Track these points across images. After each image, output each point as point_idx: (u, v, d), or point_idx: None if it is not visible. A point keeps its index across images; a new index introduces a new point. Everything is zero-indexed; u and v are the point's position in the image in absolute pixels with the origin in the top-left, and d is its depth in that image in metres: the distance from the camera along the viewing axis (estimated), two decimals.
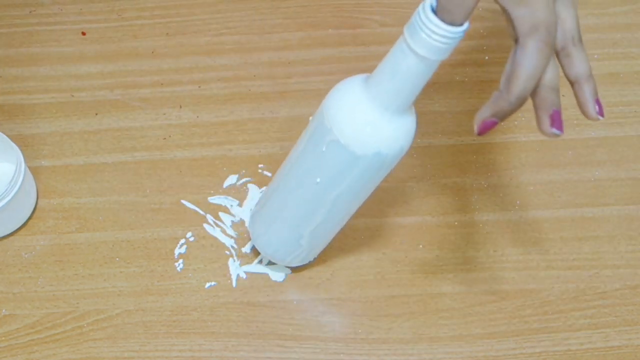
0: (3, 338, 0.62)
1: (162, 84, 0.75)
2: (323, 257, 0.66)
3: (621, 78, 0.76)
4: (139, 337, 0.62)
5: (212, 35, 0.78)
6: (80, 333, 0.62)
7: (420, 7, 0.44)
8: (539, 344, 0.62)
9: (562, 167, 0.70)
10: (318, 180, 0.53)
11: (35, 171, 0.69)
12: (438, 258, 0.66)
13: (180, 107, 0.74)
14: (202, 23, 0.79)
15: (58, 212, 0.68)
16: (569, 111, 0.74)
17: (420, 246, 0.67)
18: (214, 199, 0.68)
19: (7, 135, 0.64)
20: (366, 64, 0.76)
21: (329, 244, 0.63)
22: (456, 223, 0.68)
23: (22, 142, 0.70)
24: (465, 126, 0.73)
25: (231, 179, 0.69)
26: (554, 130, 0.46)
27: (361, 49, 0.77)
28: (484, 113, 0.46)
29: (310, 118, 0.55)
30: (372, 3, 0.80)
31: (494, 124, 0.46)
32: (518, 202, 0.69)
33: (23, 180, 0.63)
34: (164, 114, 0.73)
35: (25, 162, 0.64)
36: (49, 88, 0.74)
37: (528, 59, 0.44)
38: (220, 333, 0.63)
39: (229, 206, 0.68)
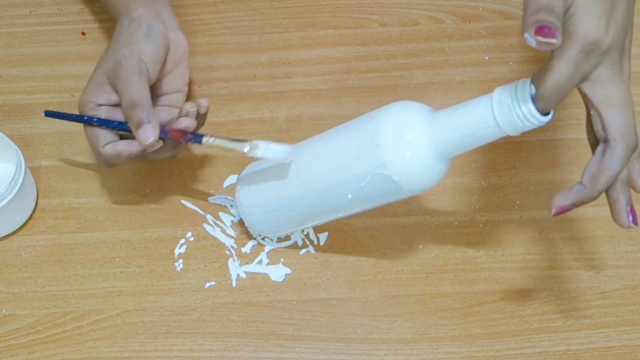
0: (3, 338, 0.62)
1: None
2: (323, 257, 0.66)
3: None
4: (139, 337, 0.62)
5: (212, 35, 0.78)
6: (80, 333, 0.62)
7: (518, 92, 0.46)
8: (539, 344, 0.62)
9: (562, 167, 0.70)
10: (350, 196, 0.55)
11: (35, 171, 0.69)
12: (438, 258, 0.66)
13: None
14: (202, 23, 0.79)
15: (58, 212, 0.68)
16: (568, 111, 0.75)
17: (420, 246, 0.67)
18: (214, 199, 0.68)
19: (7, 135, 0.64)
20: (366, 64, 0.76)
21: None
22: (456, 223, 0.68)
23: (22, 142, 0.70)
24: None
25: (231, 179, 0.69)
26: (632, 224, 0.50)
27: (361, 49, 0.77)
28: (564, 201, 0.50)
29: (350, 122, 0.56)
30: (372, 3, 0.80)
31: (570, 210, 0.50)
32: (518, 202, 0.69)
33: (23, 180, 0.63)
34: None
35: (25, 162, 0.64)
36: (49, 88, 0.74)
37: (616, 163, 0.47)
38: (220, 333, 0.63)
39: (229, 206, 0.68)
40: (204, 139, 0.58)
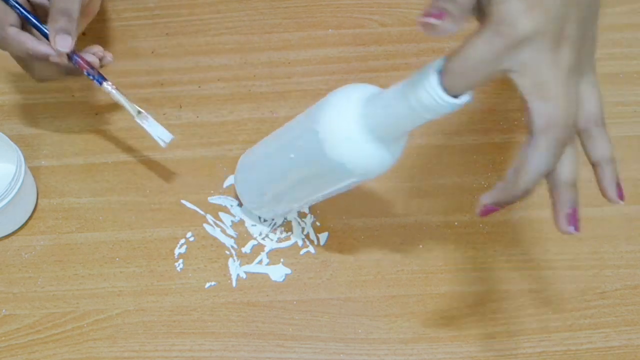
0: (3, 338, 0.62)
1: (162, 84, 0.75)
2: (323, 257, 0.66)
3: (621, 78, 0.76)
4: (139, 337, 0.62)
5: (212, 35, 0.78)
6: (80, 333, 0.62)
7: (425, 71, 0.43)
8: (539, 344, 0.62)
9: None
10: (292, 155, 0.56)
11: (35, 171, 0.69)
12: (438, 258, 0.66)
13: (180, 107, 0.74)
14: (202, 23, 0.79)
15: (58, 212, 0.68)
16: None
17: (420, 246, 0.67)
18: (214, 199, 0.68)
19: (7, 135, 0.64)
20: (366, 64, 0.76)
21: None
22: (456, 223, 0.68)
23: (22, 142, 0.70)
24: (465, 126, 0.73)
25: (231, 179, 0.69)
26: (570, 230, 0.46)
27: (361, 49, 0.77)
28: (487, 199, 0.47)
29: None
30: (372, 3, 0.80)
31: (495, 210, 0.47)
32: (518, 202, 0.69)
33: (23, 180, 0.63)
34: (164, 114, 0.73)
35: (25, 162, 0.64)
36: (49, 88, 0.74)
37: (537, 157, 0.44)
38: (220, 333, 0.63)
39: (229, 206, 0.68)
40: (105, 84, 0.62)
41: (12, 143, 0.64)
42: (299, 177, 0.57)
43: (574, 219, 0.46)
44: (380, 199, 0.69)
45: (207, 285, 0.65)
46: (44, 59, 0.60)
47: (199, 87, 0.75)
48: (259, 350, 0.62)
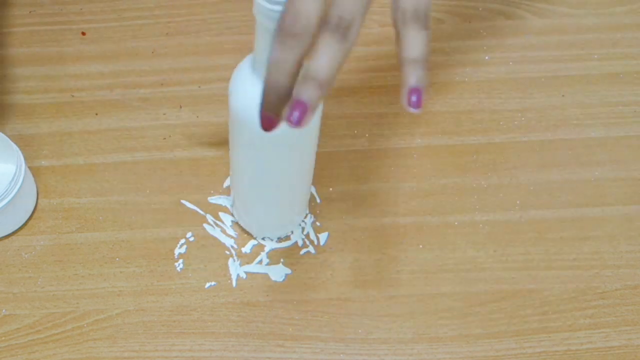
0: (3, 338, 0.62)
1: (162, 84, 0.75)
2: (323, 257, 0.66)
3: (621, 78, 0.76)
4: (139, 337, 0.62)
5: (212, 35, 0.78)
6: (80, 333, 0.62)
7: None
8: (539, 344, 0.62)
9: (562, 167, 0.70)
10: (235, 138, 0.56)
11: (35, 171, 0.69)
12: (438, 258, 0.66)
13: (180, 107, 0.74)
14: (202, 23, 0.79)
15: (58, 212, 0.68)
16: (568, 111, 0.75)
17: (420, 246, 0.67)
18: (214, 199, 0.68)
19: (7, 135, 0.64)
20: (366, 64, 0.76)
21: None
22: (456, 223, 0.68)
23: (22, 142, 0.70)
24: (465, 126, 0.73)
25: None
26: (412, 109, 0.42)
27: (361, 49, 0.77)
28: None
29: None
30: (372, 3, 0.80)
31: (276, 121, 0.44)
32: (518, 202, 0.69)
33: (23, 180, 0.63)
34: (164, 114, 0.73)
35: (25, 162, 0.64)
36: (49, 88, 0.74)
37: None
38: (220, 333, 0.63)
39: (229, 206, 0.68)
40: None
41: (12, 143, 0.64)
42: (236, 148, 0.57)
43: (418, 96, 0.42)
44: (380, 199, 0.69)
45: (207, 285, 0.65)
46: None
47: (199, 87, 0.75)
48: (259, 350, 0.62)
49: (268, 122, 0.43)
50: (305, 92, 0.42)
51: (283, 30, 0.41)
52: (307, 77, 0.42)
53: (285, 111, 0.42)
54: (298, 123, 0.42)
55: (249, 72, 0.52)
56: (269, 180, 0.58)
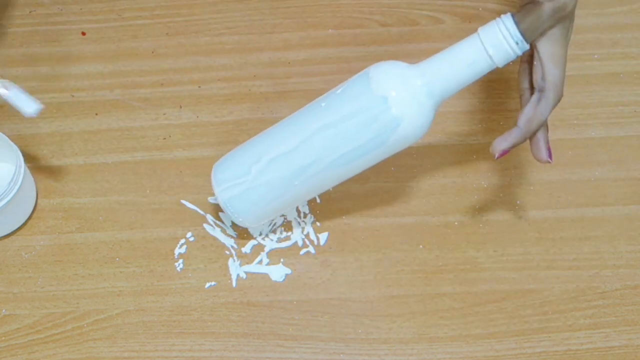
0: (3, 338, 0.62)
1: (162, 84, 0.75)
2: (323, 257, 0.66)
3: (621, 78, 0.76)
4: (139, 337, 0.62)
5: (212, 35, 0.78)
6: (80, 333, 0.62)
7: (504, 20, 0.54)
8: (539, 344, 0.62)
9: (562, 167, 0.70)
10: (323, 104, 0.57)
11: (35, 171, 0.69)
12: (438, 258, 0.66)
13: (180, 107, 0.74)
14: (202, 23, 0.79)
15: (58, 212, 0.68)
16: (568, 111, 0.75)
17: (420, 246, 0.67)
18: (214, 199, 0.68)
19: (7, 135, 0.64)
20: (366, 64, 0.76)
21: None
22: (456, 223, 0.68)
23: (22, 142, 0.70)
24: (465, 126, 0.73)
25: None
26: (549, 159, 0.58)
27: (361, 49, 0.77)
28: (505, 144, 0.57)
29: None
30: (372, 3, 0.80)
31: (509, 152, 0.58)
32: (518, 202, 0.69)
33: (23, 180, 0.63)
34: (164, 114, 0.73)
35: (25, 162, 0.64)
36: (49, 88, 0.74)
37: (548, 110, 0.56)
38: (220, 333, 0.63)
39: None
40: None
41: (12, 143, 0.64)
42: (317, 128, 0.56)
43: (549, 151, 0.58)
44: (380, 199, 0.69)
45: (207, 285, 0.65)
46: None
47: (199, 87, 0.75)
48: (259, 350, 0.62)
49: (505, 154, 0.58)
50: None
51: (560, 97, 0.57)
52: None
53: (543, 152, 0.58)
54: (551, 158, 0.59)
55: (422, 93, 0.55)
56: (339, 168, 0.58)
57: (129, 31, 0.78)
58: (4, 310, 0.63)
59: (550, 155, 0.58)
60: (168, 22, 0.79)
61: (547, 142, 0.58)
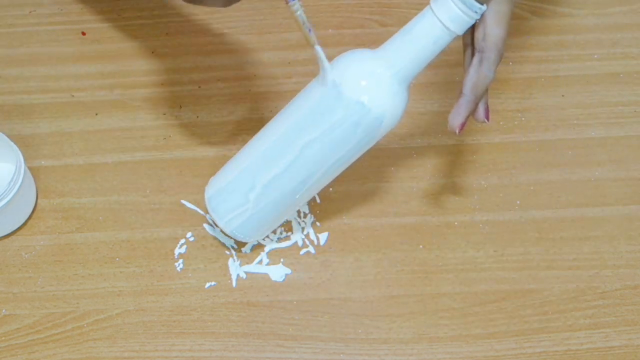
0: (3, 338, 0.62)
1: (162, 84, 0.75)
2: (323, 257, 0.66)
3: (621, 78, 0.76)
4: (139, 337, 0.62)
5: (212, 35, 0.78)
6: (80, 333, 0.62)
7: None
8: (539, 344, 0.62)
9: (562, 167, 0.70)
10: (296, 119, 0.56)
11: (35, 171, 0.69)
12: (438, 258, 0.66)
13: (180, 107, 0.74)
14: (202, 23, 0.79)
15: (58, 212, 0.68)
16: (568, 111, 0.75)
17: (420, 246, 0.67)
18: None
19: (7, 135, 0.64)
20: None
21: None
22: (456, 223, 0.68)
23: (22, 142, 0.70)
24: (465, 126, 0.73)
25: None
26: (486, 120, 0.57)
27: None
28: (460, 118, 0.55)
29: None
30: (372, 3, 0.80)
31: (466, 123, 0.56)
32: (518, 202, 0.69)
33: (23, 180, 0.63)
34: (164, 114, 0.73)
35: (25, 162, 0.64)
36: (49, 88, 0.74)
37: (492, 70, 0.55)
38: (220, 333, 0.63)
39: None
40: (293, 4, 0.56)
41: (12, 143, 0.64)
42: (304, 143, 0.55)
43: (487, 111, 0.57)
44: (380, 199, 0.69)
45: (207, 285, 0.65)
46: None
47: (199, 87, 0.75)
48: (259, 350, 0.62)
49: (463, 127, 0.56)
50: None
51: (501, 57, 0.55)
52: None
53: (480, 113, 0.56)
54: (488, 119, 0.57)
55: (395, 84, 0.54)
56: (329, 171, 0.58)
57: (129, 31, 0.78)
58: (4, 310, 0.63)
59: (487, 116, 0.56)
60: (168, 22, 0.79)
61: (486, 102, 0.56)
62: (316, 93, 0.55)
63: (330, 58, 0.76)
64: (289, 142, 0.56)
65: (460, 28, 0.52)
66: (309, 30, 0.56)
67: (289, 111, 0.58)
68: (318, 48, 0.56)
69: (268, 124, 0.60)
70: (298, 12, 0.56)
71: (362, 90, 0.53)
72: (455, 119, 0.55)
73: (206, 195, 0.61)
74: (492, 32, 0.54)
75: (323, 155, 0.56)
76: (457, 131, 0.55)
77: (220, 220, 0.61)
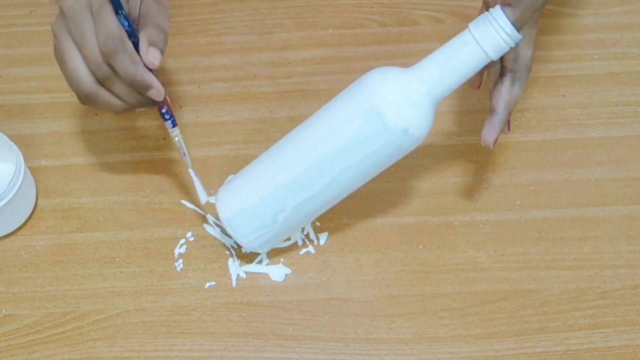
0: (3, 338, 0.62)
1: (162, 84, 0.75)
2: (323, 257, 0.66)
3: (621, 78, 0.76)
4: (139, 337, 0.62)
5: (212, 35, 0.78)
6: (80, 333, 0.62)
7: (493, 13, 0.53)
8: (539, 344, 0.62)
9: (562, 167, 0.70)
10: (338, 145, 0.56)
11: (35, 171, 0.69)
12: (438, 258, 0.66)
13: (180, 107, 0.74)
14: (202, 23, 0.79)
15: (58, 212, 0.68)
16: (568, 111, 0.75)
17: (420, 246, 0.67)
18: (214, 199, 0.68)
19: (7, 135, 0.64)
20: (366, 64, 0.76)
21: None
22: (456, 223, 0.68)
23: (22, 142, 0.70)
24: (465, 126, 0.73)
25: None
26: (507, 131, 0.61)
27: (361, 49, 0.77)
28: (494, 134, 0.59)
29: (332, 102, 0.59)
30: (372, 3, 0.80)
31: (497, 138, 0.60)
32: (518, 202, 0.69)
33: (23, 180, 0.63)
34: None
35: (25, 162, 0.64)
36: (49, 88, 0.74)
37: (520, 87, 0.58)
38: (220, 333, 0.63)
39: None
40: (175, 129, 0.61)
41: (12, 143, 0.64)
42: (342, 168, 0.56)
43: (509, 125, 0.61)
44: (380, 199, 0.69)
45: (207, 285, 0.65)
46: (143, 87, 0.56)
47: (199, 87, 0.75)
48: (259, 350, 0.62)
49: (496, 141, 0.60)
50: None
51: (528, 78, 0.60)
52: None
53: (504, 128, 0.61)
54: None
55: (431, 106, 0.55)
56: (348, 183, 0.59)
57: None
58: (4, 310, 0.63)
59: (509, 127, 0.61)
60: None
61: (506, 122, 0.60)
62: (356, 119, 0.55)
63: (330, 58, 0.77)
64: (327, 168, 0.57)
65: (499, 55, 0.54)
66: (184, 154, 0.61)
67: (323, 134, 0.57)
68: (192, 171, 0.62)
69: (293, 140, 0.59)
70: (177, 138, 0.61)
71: (407, 120, 0.55)
72: (490, 134, 0.59)
73: (222, 215, 0.61)
74: (523, 55, 0.58)
75: (358, 177, 0.58)
76: (491, 146, 0.59)
77: (243, 239, 0.61)
